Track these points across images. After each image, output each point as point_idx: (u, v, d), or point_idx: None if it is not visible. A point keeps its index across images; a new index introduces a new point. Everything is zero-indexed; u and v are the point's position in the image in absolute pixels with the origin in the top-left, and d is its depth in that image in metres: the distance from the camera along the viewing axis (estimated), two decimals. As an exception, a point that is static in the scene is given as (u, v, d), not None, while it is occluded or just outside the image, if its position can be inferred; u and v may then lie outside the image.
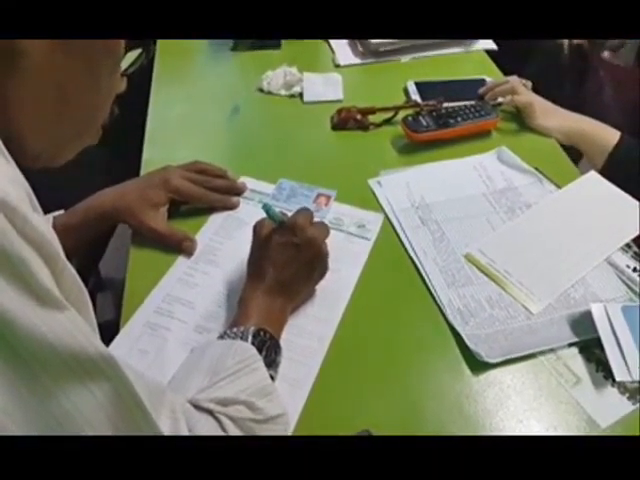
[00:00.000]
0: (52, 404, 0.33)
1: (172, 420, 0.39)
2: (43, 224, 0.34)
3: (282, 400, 0.50)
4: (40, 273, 0.33)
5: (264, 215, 0.60)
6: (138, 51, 0.50)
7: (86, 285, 0.83)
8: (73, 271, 0.37)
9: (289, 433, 0.51)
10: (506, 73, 1.03)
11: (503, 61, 1.06)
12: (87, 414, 0.34)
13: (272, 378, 0.52)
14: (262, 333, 0.53)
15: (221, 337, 0.54)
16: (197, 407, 0.44)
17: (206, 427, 0.43)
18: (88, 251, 0.76)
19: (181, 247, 0.68)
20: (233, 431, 0.44)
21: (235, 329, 0.53)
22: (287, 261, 0.58)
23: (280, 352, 0.55)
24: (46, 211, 0.71)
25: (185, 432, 0.40)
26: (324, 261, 0.61)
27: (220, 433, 0.44)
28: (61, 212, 0.67)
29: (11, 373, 0.32)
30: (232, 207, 0.74)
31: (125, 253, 0.69)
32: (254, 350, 0.51)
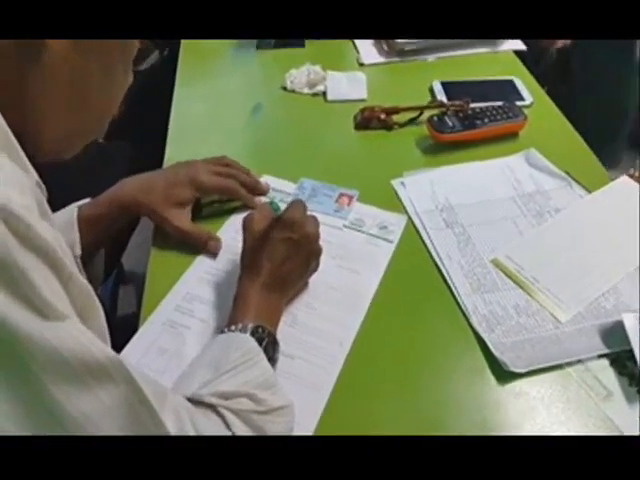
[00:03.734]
0: (59, 413, 0.33)
1: (177, 421, 0.39)
2: (49, 231, 0.34)
3: (286, 393, 0.49)
4: (41, 283, 0.33)
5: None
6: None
7: (108, 278, 0.81)
8: (81, 278, 0.37)
9: (310, 432, 0.50)
10: (534, 74, 1.00)
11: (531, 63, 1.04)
12: (95, 420, 0.34)
13: None
14: (260, 330, 0.53)
15: (224, 332, 0.53)
16: (200, 402, 0.44)
17: (209, 423, 0.43)
18: (111, 244, 0.76)
19: (206, 247, 0.67)
20: (236, 424, 0.44)
21: (233, 326, 0.53)
22: (286, 257, 0.57)
23: (278, 349, 0.54)
24: (69, 201, 0.72)
25: (191, 431, 0.39)
26: (318, 257, 0.61)
27: (223, 428, 0.43)
28: (86, 201, 0.67)
29: (17, 382, 0.32)
30: (254, 208, 0.73)
31: (148, 247, 0.69)
32: (255, 343, 0.51)
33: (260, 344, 0.51)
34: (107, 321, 0.43)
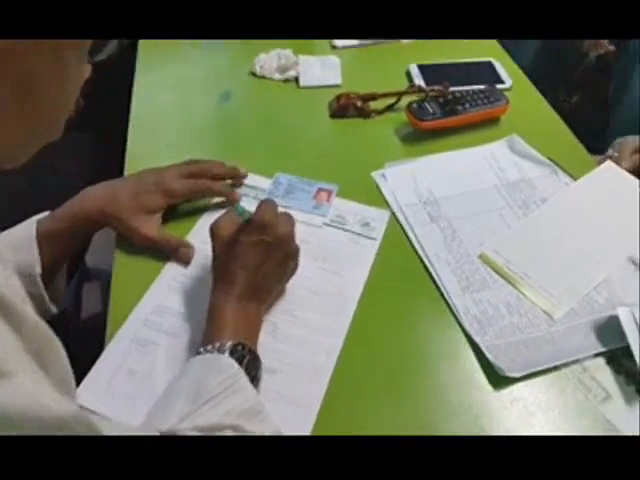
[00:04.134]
0: None
1: None
2: None
3: (274, 419, 0.46)
4: None
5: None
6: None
7: (71, 280, 0.76)
8: (36, 318, 0.32)
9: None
10: (512, 55, 0.97)
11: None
12: None
13: None
14: (240, 348, 0.48)
15: (199, 352, 0.49)
16: None
17: None
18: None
19: (177, 255, 0.62)
20: None
21: (209, 346, 0.48)
22: (259, 262, 0.53)
23: (260, 366, 0.50)
24: (29, 204, 0.66)
25: None
26: (296, 258, 0.57)
27: None
28: (46, 214, 0.61)
29: None
30: (234, 199, 0.68)
31: (111, 242, 0.64)
32: (236, 365, 0.47)
33: (240, 363, 0.47)
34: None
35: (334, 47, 0.96)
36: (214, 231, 0.55)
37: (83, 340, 0.69)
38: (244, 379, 0.46)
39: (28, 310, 0.31)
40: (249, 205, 0.67)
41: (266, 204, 0.56)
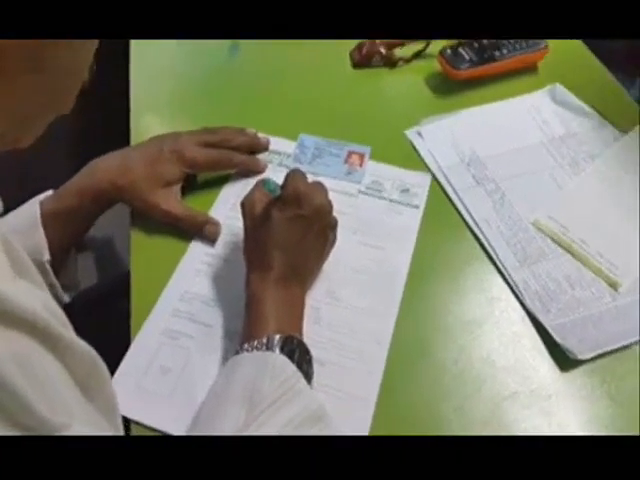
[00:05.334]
0: None
1: None
2: (28, 294, 0.25)
3: (335, 423, 0.41)
4: (30, 393, 0.24)
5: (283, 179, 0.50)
6: None
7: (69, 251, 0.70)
8: (80, 343, 0.28)
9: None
10: None
11: None
12: None
13: None
14: (289, 342, 0.43)
15: (244, 349, 0.43)
16: None
17: None
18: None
19: (203, 232, 0.55)
20: None
21: (256, 342, 0.43)
22: (296, 239, 0.47)
23: (311, 361, 0.45)
24: (29, 168, 0.57)
25: None
26: (335, 230, 0.51)
27: None
28: (49, 193, 0.54)
29: None
30: (260, 170, 0.61)
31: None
32: (290, 364, 0.42)
33: (291, 359, 0.42)
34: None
35: (350, -14, 0.87)
36: (246, 208, 0.49)
37: (83, 315, 0.64)
38: (301, 381, 0.41)
39: (71, 336, 0.27)
40: (274, 173, 0.61)
41: (295, 175, 0.50)
